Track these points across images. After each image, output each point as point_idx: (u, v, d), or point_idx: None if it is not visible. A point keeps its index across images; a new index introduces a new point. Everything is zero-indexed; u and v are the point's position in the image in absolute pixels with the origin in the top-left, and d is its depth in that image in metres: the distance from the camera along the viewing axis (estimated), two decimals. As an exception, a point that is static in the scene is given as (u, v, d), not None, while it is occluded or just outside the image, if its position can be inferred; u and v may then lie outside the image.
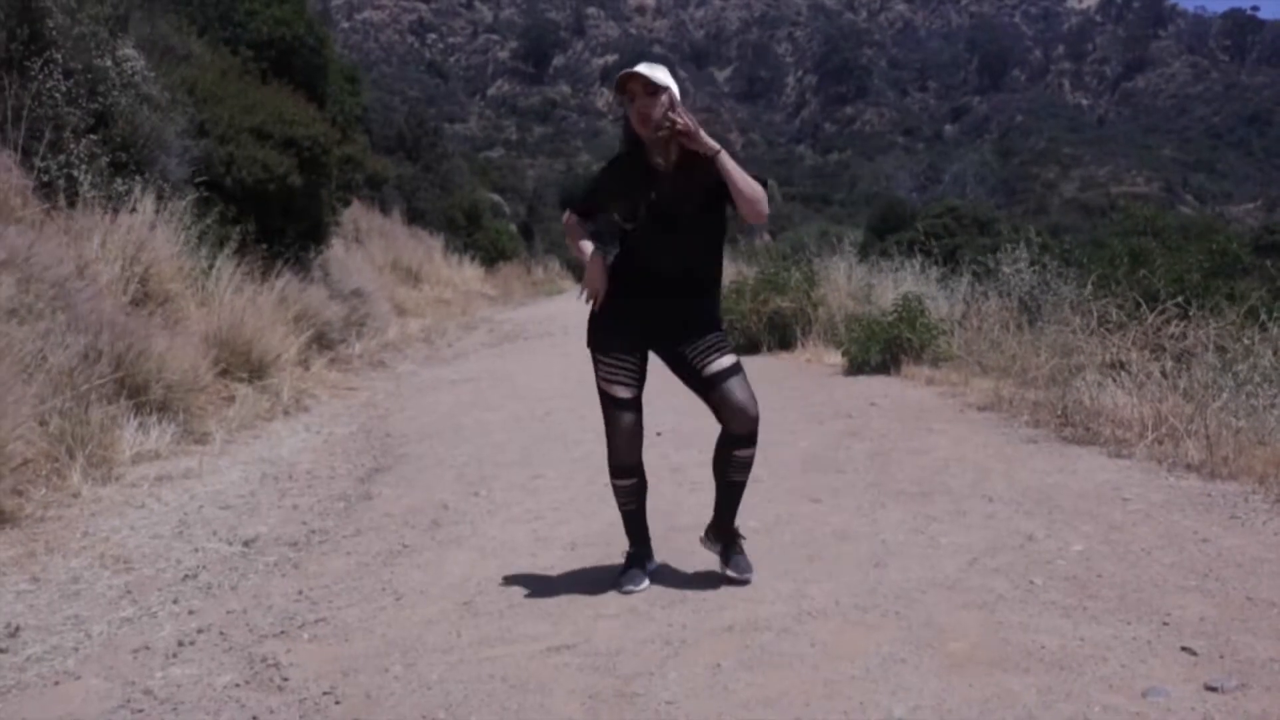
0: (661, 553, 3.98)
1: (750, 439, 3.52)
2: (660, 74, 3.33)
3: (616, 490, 3.67)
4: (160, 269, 7.77)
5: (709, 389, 3.47)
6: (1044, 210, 75.62)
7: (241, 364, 7.88)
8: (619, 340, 3.53)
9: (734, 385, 3.46)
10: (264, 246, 9.46)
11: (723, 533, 3.67)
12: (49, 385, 5.37)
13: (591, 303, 3.56)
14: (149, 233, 7.85)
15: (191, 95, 10.10)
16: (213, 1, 12.58)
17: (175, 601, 3.63)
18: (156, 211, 8.12)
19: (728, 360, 3.48)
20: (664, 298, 3.49)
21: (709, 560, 3.83)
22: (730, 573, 3.58)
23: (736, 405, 3.45)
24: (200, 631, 3.32)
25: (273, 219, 10.27)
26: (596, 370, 3.58)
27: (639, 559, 3.69)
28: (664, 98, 3.31)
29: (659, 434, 6.37)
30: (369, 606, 3.55)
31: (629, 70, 3.31)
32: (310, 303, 10.49)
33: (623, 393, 3.52)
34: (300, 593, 3.72)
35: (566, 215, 3.72)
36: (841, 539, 4.01)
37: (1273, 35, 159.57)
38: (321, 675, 2.95)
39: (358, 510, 4.98)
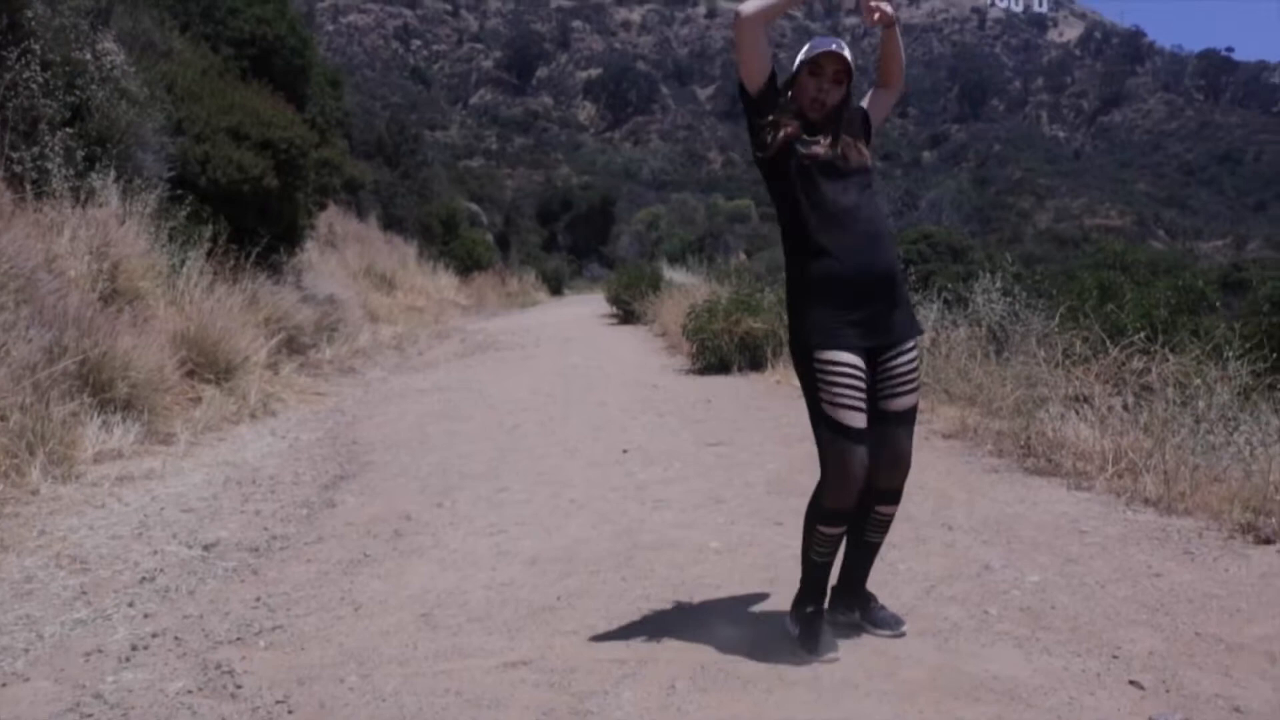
0: (623, 570, 4.00)
1: (897, 495, 3.18)
2: (851, 60, 3.07)
3: (821, 539, 3.09)
4: (130, 266, 7.72)
5: (878, 424, 3.04)
6: (1018, 239, 76.13)
7: (209, 365, 7.84)
8: (850, 335, 3.01)
9: (905, 434, 3.12)
10: (236, 247, 9.40)
11: (857, 597, 3.33)
12: (10, 379, 5.33)
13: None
14: (119, 229, 7.80)
15: (170, 92, 10.06)
16: (195, -2, 12.54)
17: (131, 604, 3.61)
18: (127, 208, 8.07)
19: (910, 400, 3.11)
20: (871, 276, 3.04)
21: (667, 580, 3.84)
22: (883, 632, 3.23)
23: (897, 455, 3.11)
24: (155, 636, 3.30)
25: (247, 220, 10.23)
26: (818, 384, 3.00)
27: (820, 616, 3.18)
28: (845, 90, 3.10)
29: (625, 451, 6.40)
30: (327, 615, 3.54)
31: (833, 50, 3.03)
32: (281, 305, 10.45)
33: (857, 420, 2.97)
34: (258, 599, 3.71)
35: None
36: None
37: (1246, 76, 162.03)
38: (276, 684, 2.94)
39: (320, 517, 4.96)
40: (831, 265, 3.03)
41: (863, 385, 2.99)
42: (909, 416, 3.13)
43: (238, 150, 10.18)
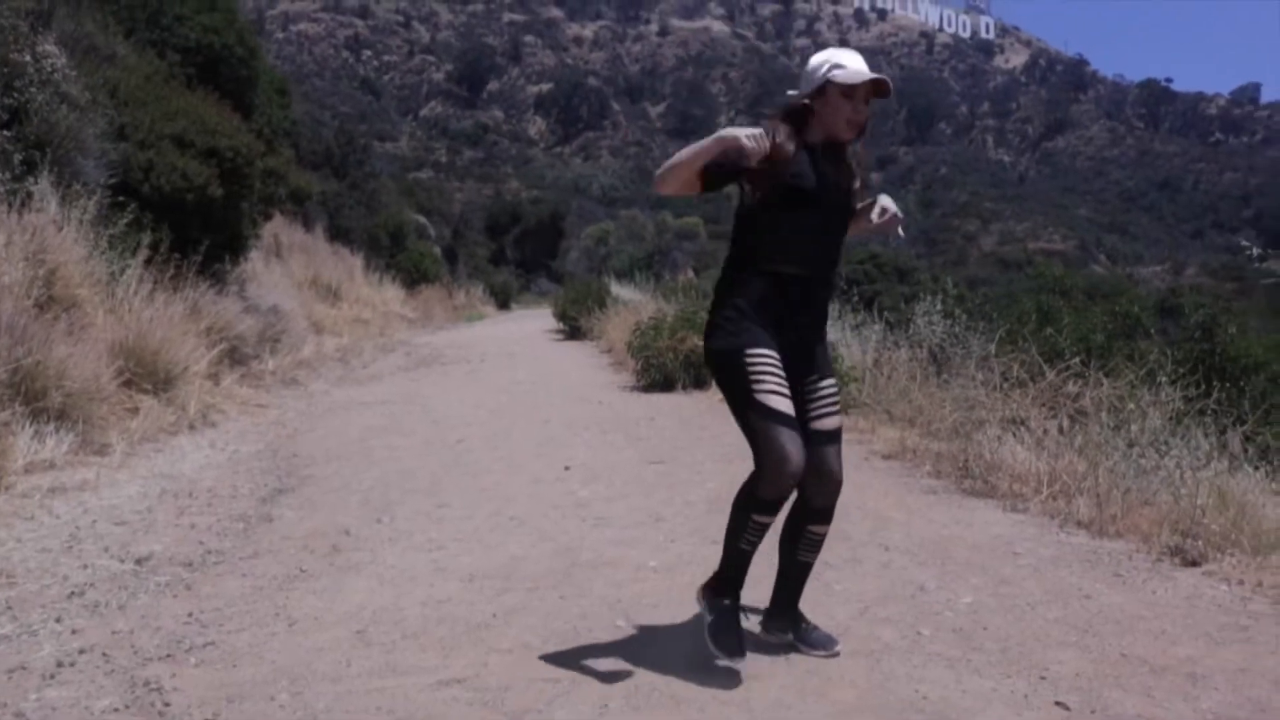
0: (562, 588, 3.99)
1: (829, 514, 3.23)
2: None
3: (753, 527, 3.08)
4: (67, 273, 7.59)
5: (809, 443, 3.09)
6: (963, 262, 77.44)
7: (147, 375, 7.71)
8: (769, 337, 3.07)
9: (834, 451, 3.16)
10: (178, 256, 9.27)
11: (789, 618, 3.34)
12: (-59, 388, 5.22)
13: (753, 143, 3.01)
14: (57, 235, 7.67)
15: (113, 97, 9.92)
16: (141, 3, 12.36)
17: (58, 620, 3.54)
18: (66, 213, 7.94)
19: (836, 421, 3.18)
20: (802, 308, 3.14)
21: (604, 599, 3.84)
22: (818, 653, 3.25)
23: (829, 472, 3.15)
24: (82, 652, 3.24)
25: (190, 228, 10.09)
26: (744, 376, 3.03)
27: (737, 613, 3.19)
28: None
29: (567, 468, 6.40)
30: (260, 632, 3.50)
31: (875, 77, 3.07)
32: (224, 315, 10.32)
33: (783, 405, 3.00)
34: (190, 615, 3.65)
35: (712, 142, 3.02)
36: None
37: (1184, 107, 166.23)
38: (205, 701, 2.90)
39: (257, 532, 4.90)
40: (776, 287, 3.09)
41: (786, 380, 3.05)
42: (837, 436, 3.19)
43: (182, 158, 10.06)
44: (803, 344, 3.16)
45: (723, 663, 3.06)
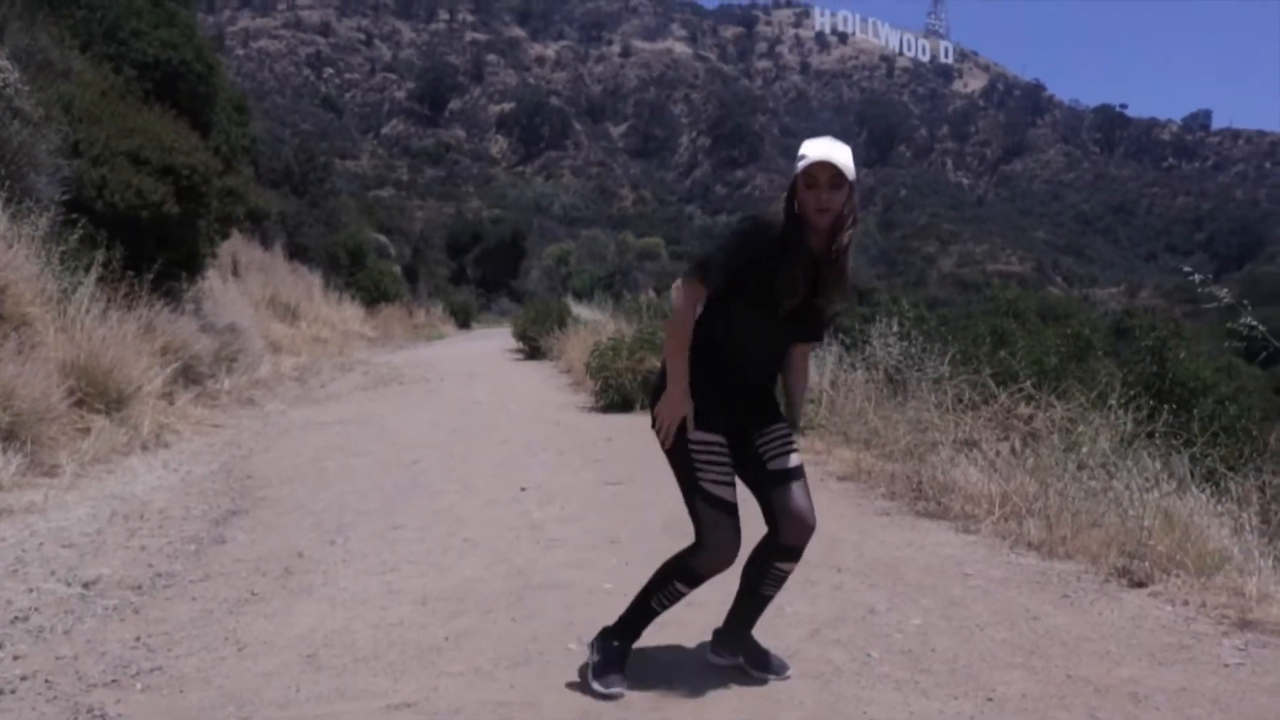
0: (513, 609, 3.98)
1: (798, 552, 3.21)
2: (847, 159, 2.97)
3: (673, 593, 3.16)
4: (17, 291, 7.49)
5: (771, 484, 3.15)
6: (922, 283, 78.22)
7: (99, 395, 7.61)
8: (724, 420, 3.10)
9: (798, 489, 3.16)
10: (132, 274, 9.16)
11: (739, 642, 3.35)
12: (-115, 409, 5.13)
13: (662, 435, 3.09)
14: (7, 252, 7.57)
15: (67, 113, 9.81)
16: (98, 17, 12.24)
17: (0, 645, 3.49)
18: (17, 230, 7.84)
19: (795, 460, 3.19)
20: (756, 385, 3.23)
21: (556, 621, 3.84)
22: (768, 675, 3.27)
23: (796, 511, 3.14)
24: (24, 679, 3.19)
25: (145, 246, 9.98)
26: (695, 463, 3.05)
27: (626, 655, 3.22)
28: (846, 190, 2.98)
29: (523, 489, 6.39)
30: (209, 656, 3.46)
31: (821, 159, 2.93)
32: (179, 334, 10.21)
33: (728, 494, 3.03)
34: (138, 639, 3.61)
35: (687, 288, 3.04)
36: (690, 604, 4.03)
37: (1138, 131, 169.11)
38: (150, 727, 2.87)
39: (209, 554, 4.85)
40: (725, 375, 3.13)
41: (731, 464, 3.09)
42: (799, 473, 3.19)
43: (137, 175, 9.96)
44: (752, 403, 3.21)
45: (600, 691, 3.08)
